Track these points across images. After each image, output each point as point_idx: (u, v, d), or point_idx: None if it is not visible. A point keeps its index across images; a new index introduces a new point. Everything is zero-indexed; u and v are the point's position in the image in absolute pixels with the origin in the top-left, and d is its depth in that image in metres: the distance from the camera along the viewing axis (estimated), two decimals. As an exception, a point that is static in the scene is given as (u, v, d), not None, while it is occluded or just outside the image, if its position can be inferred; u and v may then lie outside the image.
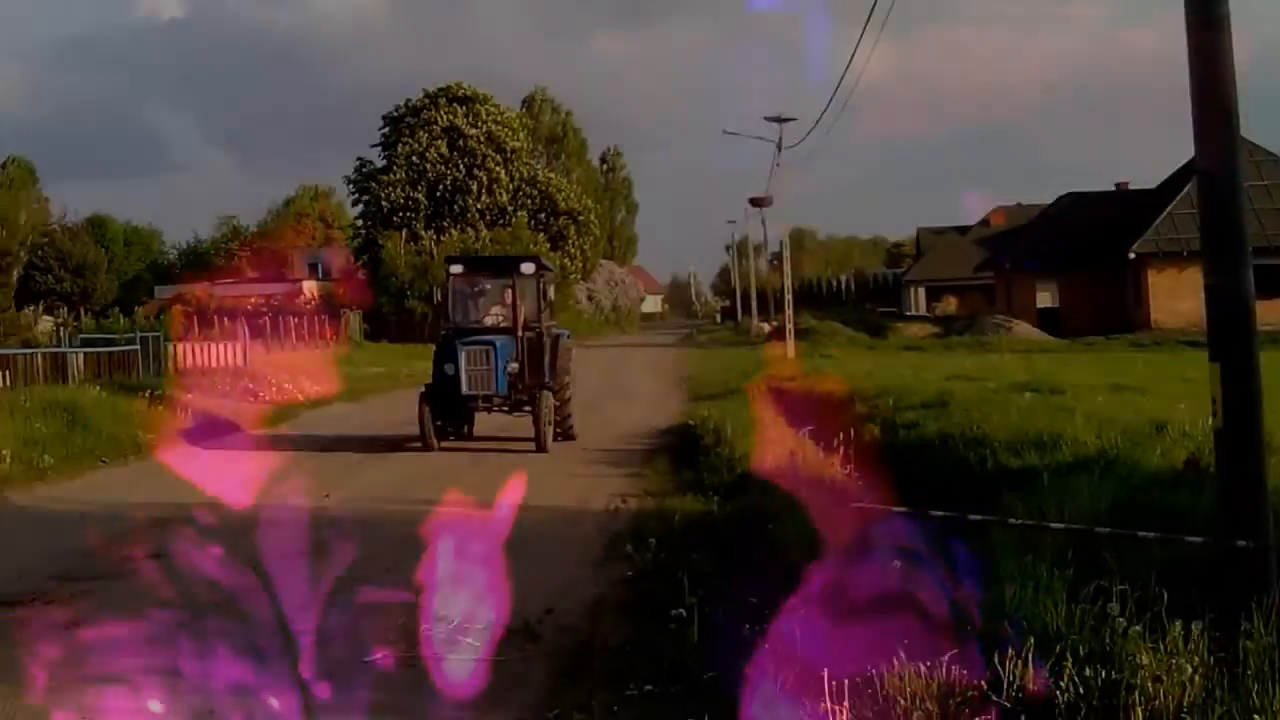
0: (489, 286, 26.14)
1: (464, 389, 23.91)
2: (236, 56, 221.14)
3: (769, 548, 12.19)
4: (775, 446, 19.14)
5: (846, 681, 7.27)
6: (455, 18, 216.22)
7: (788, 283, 59.15)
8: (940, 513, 10.18)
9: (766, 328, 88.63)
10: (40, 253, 57.86)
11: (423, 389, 24.90)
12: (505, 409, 24.79)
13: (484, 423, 26.01)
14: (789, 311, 58.18)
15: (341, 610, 10.85)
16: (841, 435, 18.65)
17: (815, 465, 17.64)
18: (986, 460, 15.60)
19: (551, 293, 25.90)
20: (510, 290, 25.14)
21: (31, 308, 53.79)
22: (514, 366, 24.00)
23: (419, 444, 24.14)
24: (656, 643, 9.56)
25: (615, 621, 10.74)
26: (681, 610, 9.88)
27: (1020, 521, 10.32)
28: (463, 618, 10.58)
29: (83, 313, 53.46)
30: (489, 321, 25.47)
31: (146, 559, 13.49)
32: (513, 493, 18.29)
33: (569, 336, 27.12)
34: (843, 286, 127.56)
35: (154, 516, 16.16)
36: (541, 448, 23.73)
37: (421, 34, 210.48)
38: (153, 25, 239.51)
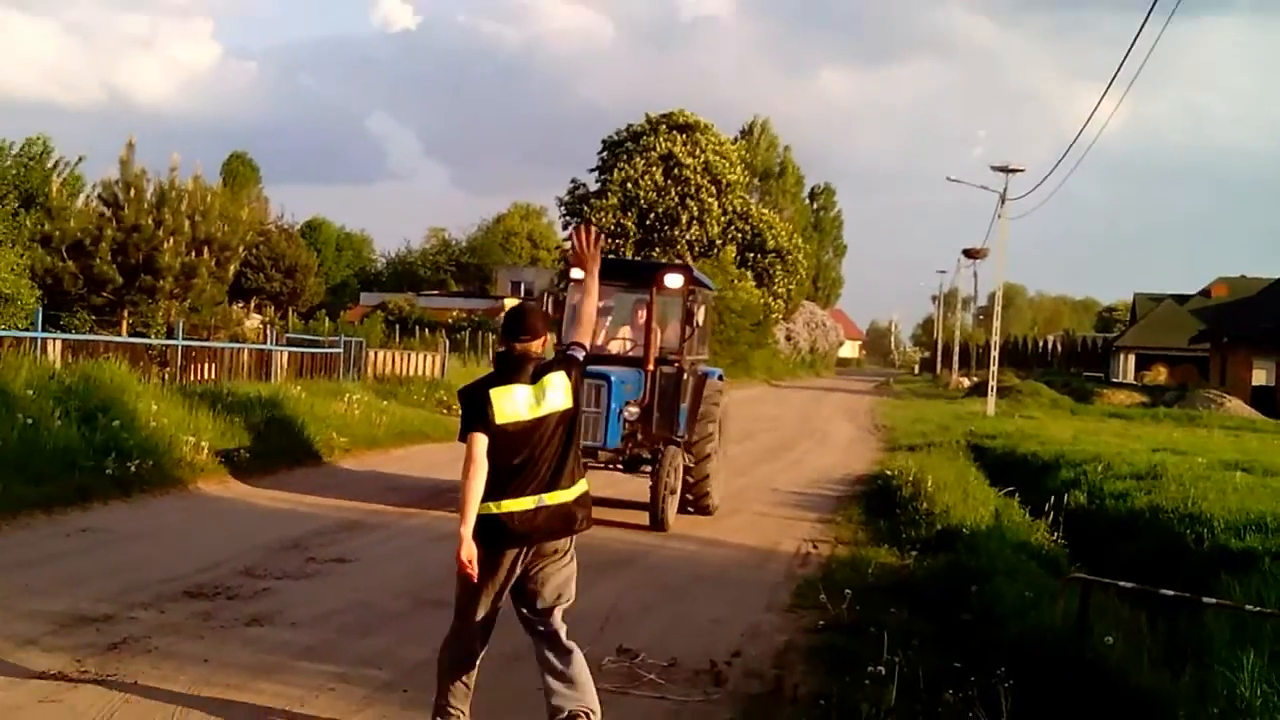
0: (618, 300, 19.41)
1: None
2: (462, 70, 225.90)
3: (973, 611, 11.63)
4: (977, 505, 18.54)
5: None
6: (681, 42, 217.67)
7: (996, 338, 57.99)
8: (1170, 592, 9.51)
9: (965, 382, 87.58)
10: (254, 251, 58.82)
11: None
12: (619, 466, 18.27)
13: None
14: (994, 368, 57.03)
15: (521, 634, 10.55)
16: (1049, 500, 18.18)
17: (1020, 528, 17.02)
18: (1204, 539, 14.84)
19: (701, 316, 18.97)
20: (646, 308, 18.37)
21: (241, 304, 54.99)
22: (633, 411, 17.47)
23: None
24: (850, 699, 9.06)
25: (805, 672, 10.24)
26: (879, 667, 9.36)
27: (1257, 609, 9.59)
28: (646, 651, 10.22)
29: (289, 313, 54.34)
30: (614, 348, 18.79)
31: (331, 561, 13.35)
32: (700, 528, 18.00)
33: (721, 377, 20.53)
34: (1049, 347, 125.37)
35: (343, 519, 16.10)
36: (659, 524, 17.34)
37: (646, 57, 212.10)
38: (385, 35, 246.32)
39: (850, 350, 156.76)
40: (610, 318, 19.39)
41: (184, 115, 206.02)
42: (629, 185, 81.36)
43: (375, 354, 39.70)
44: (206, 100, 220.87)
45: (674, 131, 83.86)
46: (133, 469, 16.73)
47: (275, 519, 15.86)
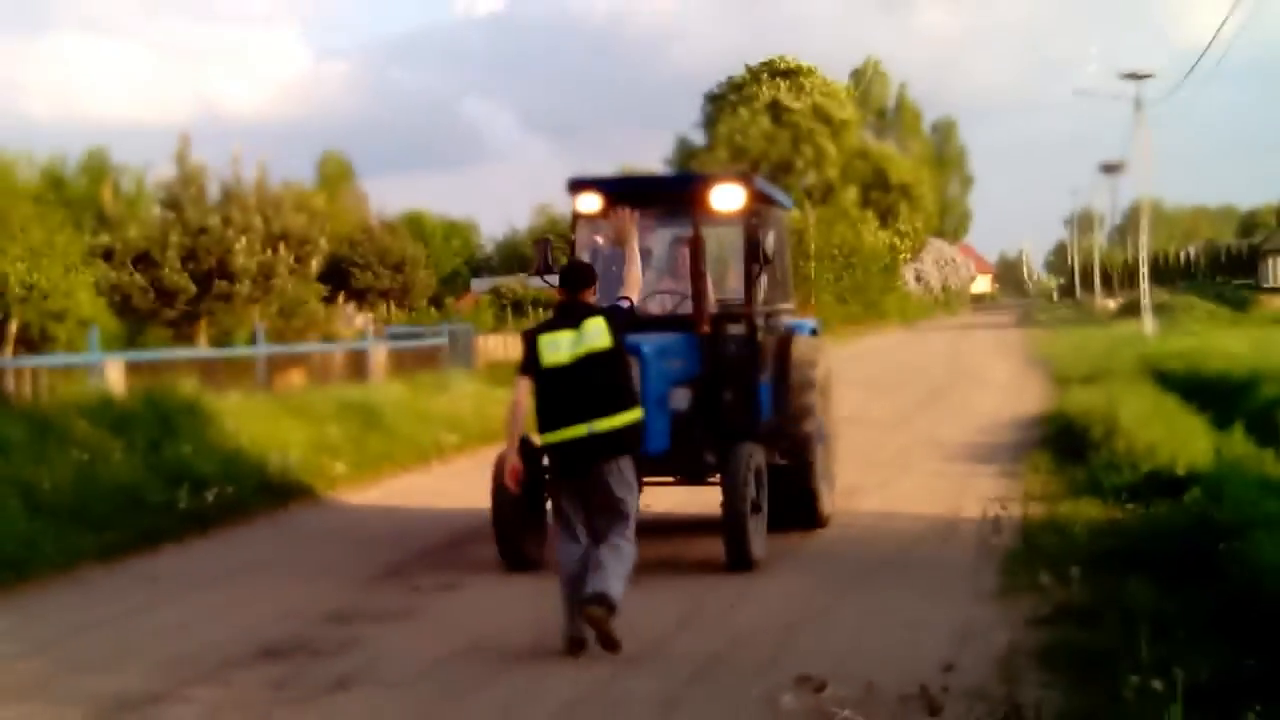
0: (653, 240, 13.43)
1: None
2: (555, 45, 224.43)
3: (1230, 579, 9.08)
4: (1187, 440, 15.97)
5: None
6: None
7: (1144, 255, 55.13)
8: None
9: (1112, 305, 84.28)
10: (359, 250, 57.13)
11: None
12: (671, 478, 12.57)
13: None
14: (1145, 285, 53.95)
15: (670, 674, 8.28)
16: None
17: (1249, 461, 14.36)
18: None
19: (773, 245, 12.60)
20: (690, 244, 12.21)
21: (349, 304, 53.08)
22: (683, 396, 12.01)
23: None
24: (1118, 724, 6.69)
25: (1043, 684, 7.80)
26: (1145, 677, 6.94)
27: None
28: (832, 677, 7.85)
29: (389, 307, 52.39)
30: (653, 308, 12.73)
31: (437, 590, 11.10)
32: (866, 496, 15.62)
33: (816, 331, 14.55)
34: (1191, 259, 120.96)
35: (454, 531, 13.81)
36: (740, 557, 11.35)
37: (741, 13, 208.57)
38: (472, 20, 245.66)
39: (982, 285, 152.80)
40: (646, 266, 12.29)
41: (279, 122, 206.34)
42: (737, 137, 78.98)
43: (486, 341, 37.53)
44: (300, 105, 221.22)
45: (776, 78, 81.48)
46: (210, 499, 14.59)
47: (374, 541, 13.64)
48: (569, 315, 9.16)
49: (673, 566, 11.62)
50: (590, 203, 12.72)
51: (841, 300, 73.81)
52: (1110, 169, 71.13)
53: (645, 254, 12.59)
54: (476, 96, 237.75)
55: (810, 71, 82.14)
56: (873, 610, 9.99)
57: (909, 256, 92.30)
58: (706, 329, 12.11)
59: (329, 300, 52.08)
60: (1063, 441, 19.08)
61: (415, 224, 73.40)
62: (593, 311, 9.14)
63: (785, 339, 13.44)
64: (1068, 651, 8.32)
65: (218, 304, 31.31)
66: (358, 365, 28.38)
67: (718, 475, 11.65)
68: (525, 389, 9.07)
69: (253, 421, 18.07)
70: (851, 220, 75.13)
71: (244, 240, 30.70)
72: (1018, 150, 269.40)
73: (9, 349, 34.02)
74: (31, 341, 34.44)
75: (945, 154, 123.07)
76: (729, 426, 12.17)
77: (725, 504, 11.34)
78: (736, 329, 12.49)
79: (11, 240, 34.33)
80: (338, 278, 56.61)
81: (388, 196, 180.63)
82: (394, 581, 11.58)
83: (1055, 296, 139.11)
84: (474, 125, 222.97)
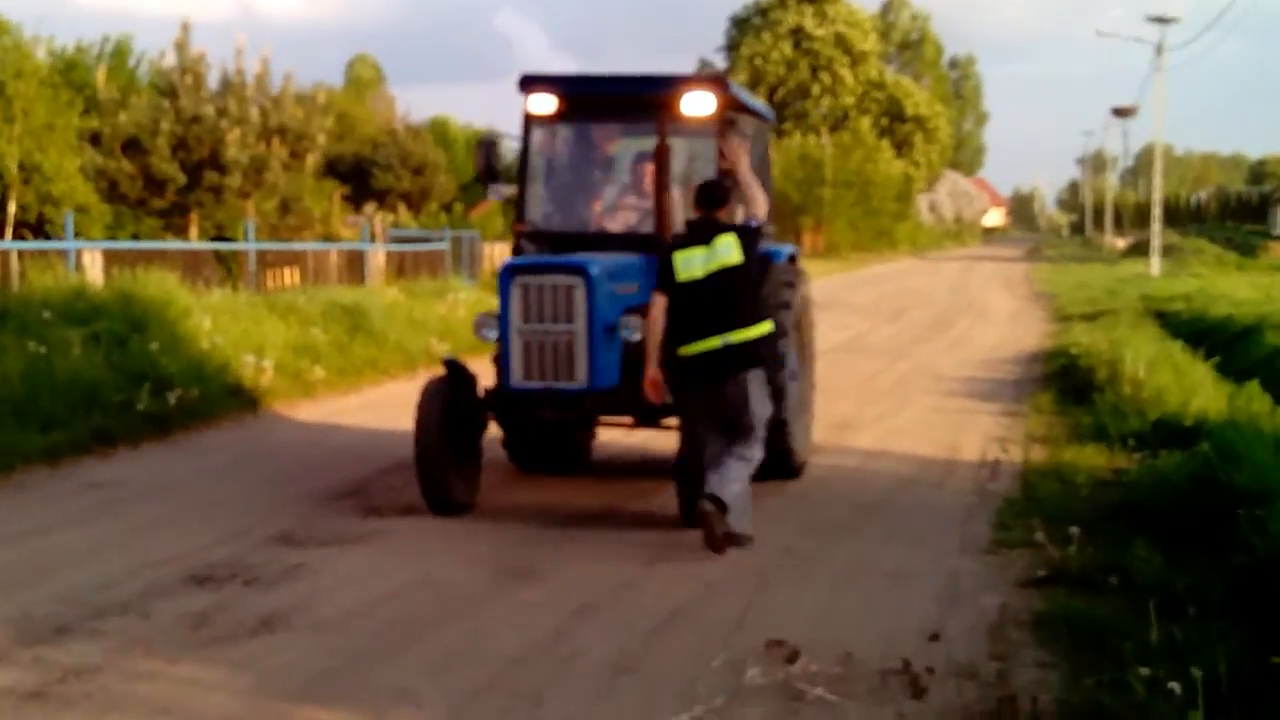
0: (618, 149, 12.22)
1: (513, 378, 10.27)
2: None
3: (1250, 550, 8.27)
4: (1196, 387, 15.22)
5: None
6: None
7: (1157, 195, 54.21)
8: None
9: (1120, 244, 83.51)
10: (382, 151, 56.29)
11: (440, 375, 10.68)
12: (629, 419, 10.85)
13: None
14: (1156, 226, 53.10)
15: (628, 629, 7.59)
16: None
17: (1262, 415, 13.60)
18: None
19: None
20: (656, 154, 11.02)
21: (367, 204, 52.11)
22: (635, 324, 10.24)
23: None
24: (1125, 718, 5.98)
25: (1038, 663, 7.08)
26: (1152, 668, 6.22)
27: None
28: (805, 646, 7.13)
29: (396, 210, 51.39)
30: (614, 226, 11.64)
31: (395, 514, 10.37)
32: (860, 431, 14.91)
33: (794, 258, 12.84)
34: (1201, 204, 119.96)
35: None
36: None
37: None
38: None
39: (995, 218, 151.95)
40: (605, 178, 12.15)
41: (312, 22, 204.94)
42: (757, 61, 78.62)
43: (493, 248, 36.63)
44: (331, 5, 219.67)
45: (803, 4, 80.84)
46: (172, 401, 13.81)
47: (341, 455, 12.92)
48: (701, 231, 9.43)
49: (655, 502, 10.90)
50: (544, 103, 11.40)
51: (854, 227, 73.24)
52: (1122, 112, 70.30)
53: (606, 165, 12.03)
54: (509, 10, 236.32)
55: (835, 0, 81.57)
56: (855, 562, 9.24)
57: (924, 187, 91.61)
58: None
59: (351, 201, 51.20)
60: (1066, 381, 18.34)
61: (440, 130, 72.10)
62: (724, 228, 9.40)
63: (761, 267, 11.05)
64: (1066, 623, 7.54)
65: (207, 196, 30.16)
66: (357, 267, 27.53)
67: (674, 420, 10.23)
68: (661, 305, 9.34)
69: (232, 320, 17.29)
70: (867, 149, 74.26)
71: (237, 132, 29.52)
72: (1036, 88, 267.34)
73: (9, 232, 33.25)
74: (31, 225, 33.63)
75: (963, 89, 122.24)
76: None
77: (680, 451, 9.85)
78: None
79: (11, 122, 33.50)
80: (358, 178, 55.83)
81: (416, 103, 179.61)
82: (352, 501, 10.87)
83: (1066, 233, 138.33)
84: (505, 39, 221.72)
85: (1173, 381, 15.43)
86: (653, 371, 9.37)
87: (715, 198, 9.52)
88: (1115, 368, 16.69)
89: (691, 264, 9.29)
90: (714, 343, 9.20)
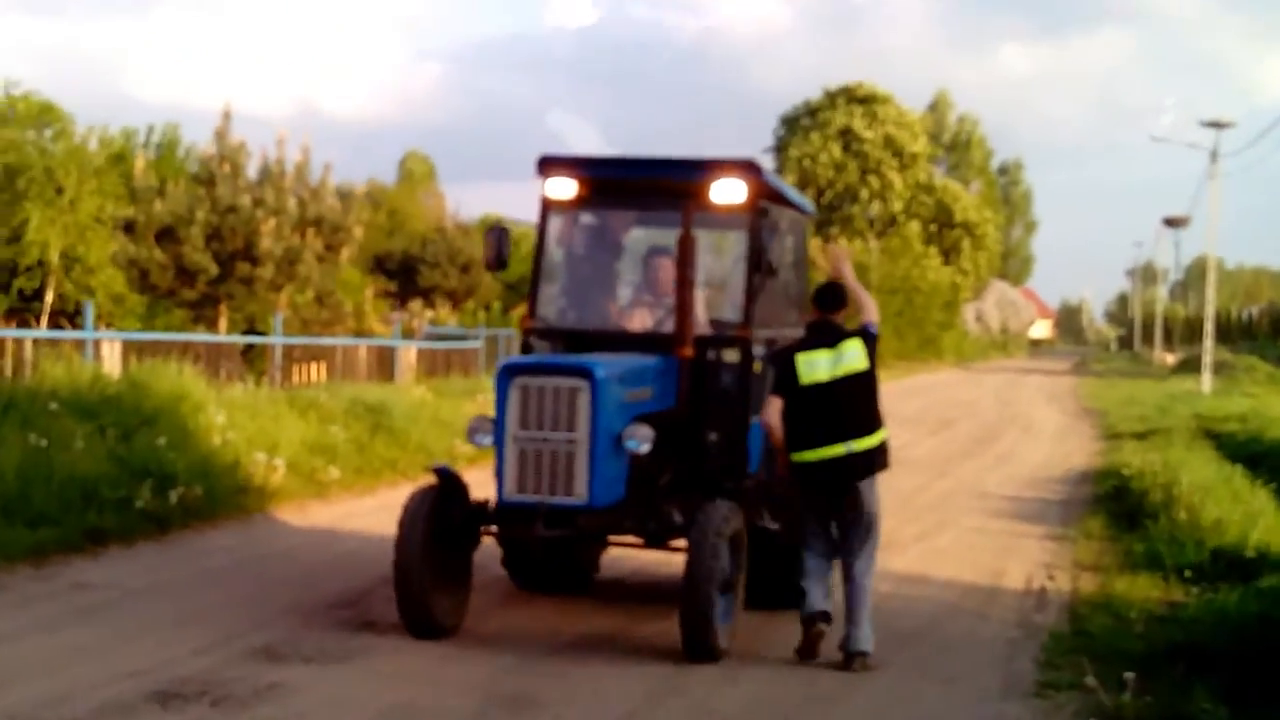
0: (631, 241, 11.51)
1: (506, 490, 9.40)
2: (640, 62, 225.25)
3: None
4: (1254, 513, 14.40)
5: None
6: (857, 24, 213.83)
7: (1210, 310, 53.31)
8: None
9: (1170, 359, 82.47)
10: (430, 248, 56.19)
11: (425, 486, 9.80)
12: (632, 541, 10.05)
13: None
14: (1209, 342, 52.17)
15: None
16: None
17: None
18: None
19: (784, 256, 10.91)
20: (679, 247, 9.77)
21: (413, 301, 51.85)
22: (644, 435, 9.32)
23: None
24: None
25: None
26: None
27: None
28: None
29: (433, 306, 51.09)
30: (630, 323, 10.80)
31: (391, 628, 9.58)
32: (898, 551, 14.11)
33: None
34: (1252, 320, 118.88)
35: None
36: (699, 645, 8.94)
37: (822, 39, 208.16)
38: (563, 33, 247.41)
39: (1042, 330, 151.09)
40: (625, 271, 11.37)
41: (369, 120, 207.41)
42: (805, 162, 78.34)
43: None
44: (390, 104, 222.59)
45: (853, 105, 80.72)
46: (174, 500, 13.12)
47: (344, 561, 12.22)
48: (824, 335, 9.44)
49: (666, 626, 10.07)
50: (563, 188, 10.64)
51: (898, 335, 72.62)
52: (1174, 223, 69.79)
53: (627, 256, 11.22)
54: (562, 108, 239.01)
55: (886, 100, 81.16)
56: (885, 703, 8.46)
57: (970, 296, 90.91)
58: (689, 352, 9.87)
59: (395, 297, 50.83)
60: (1117, 504, 17.50)
61: (489, 228, 72.46)
62: (848, 333, 9.46)
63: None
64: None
65: (239, 287, 29.62)
66: (387, 364, 26.94)
67: (682, 541, 9.27)
68: (777, 407, 9.27)
69: (249, 416, 16.66)
70: (915, 255, 73.78)
71: (273, 222, 29.03)
72: (1085, 195, 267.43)
73: (44, 320, 32.97)
74: (70, 315, 33.33)
75: (1011, 196, 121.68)
76: (709, 478, 10.02)
77: (687, 578, 8.92)
78: (730, 355, 10.35)
79: (61, 212, 33.35)
80: (406, 274, 55.67)
81: (466, 200, 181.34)
82: (347, 613, 10.15)
83: (1113, 347, 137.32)
84: (557, 137, 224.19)
85: (1231, 508, 14.65)
86: (784, 463, 9.44)
87: (836, 300, 9.54)
88: (1170, 491, 15.92)
89: (816, 367, 9.24)
90: (838, 450, 9.15)
